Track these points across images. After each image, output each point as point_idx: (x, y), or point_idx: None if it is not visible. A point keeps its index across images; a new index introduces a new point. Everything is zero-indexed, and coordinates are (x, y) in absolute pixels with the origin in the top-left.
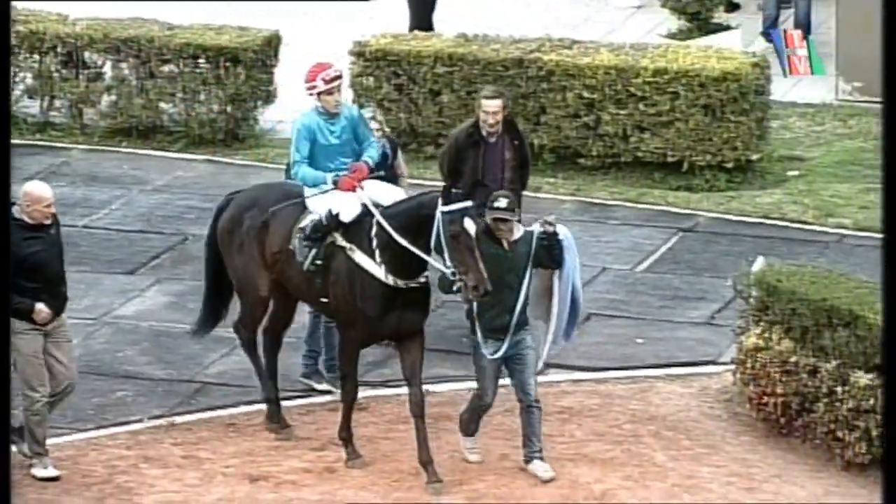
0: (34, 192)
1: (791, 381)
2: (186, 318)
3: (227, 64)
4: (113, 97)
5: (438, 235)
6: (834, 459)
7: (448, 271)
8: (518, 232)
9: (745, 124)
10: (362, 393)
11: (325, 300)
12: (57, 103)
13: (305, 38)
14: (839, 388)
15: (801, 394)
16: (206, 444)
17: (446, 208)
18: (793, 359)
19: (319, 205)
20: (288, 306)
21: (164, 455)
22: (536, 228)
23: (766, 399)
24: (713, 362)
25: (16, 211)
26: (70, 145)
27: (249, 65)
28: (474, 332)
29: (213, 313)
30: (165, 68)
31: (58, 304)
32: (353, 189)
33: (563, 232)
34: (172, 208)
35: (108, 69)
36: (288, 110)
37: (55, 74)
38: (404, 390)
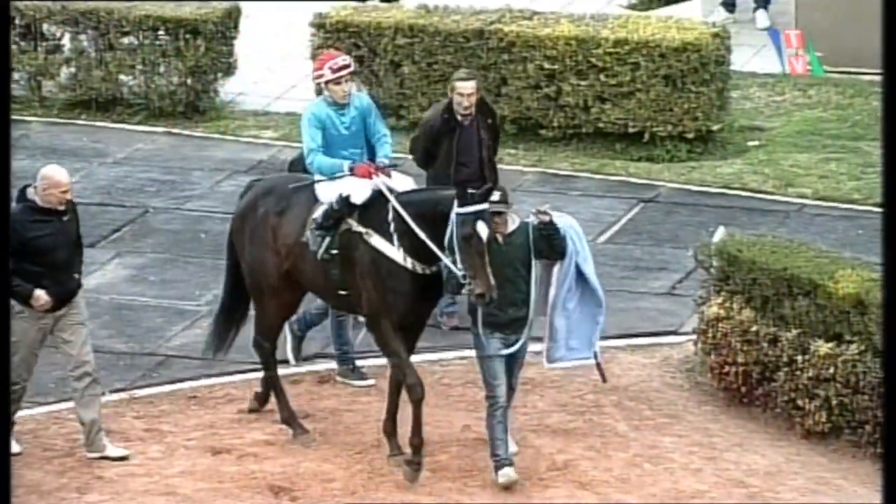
0: (53, 177)
1: (752, 351)
2: (147, 290)
3: (187, 36)
4: (72, 69)
5: (452, 236)
6: (794, 428)
7: (459, 273)
8: (513, 224)
9: (706, 95)
10: (324, 365)
11: (343, 292)
12: (16, 76)
13: (265, 11)
14: (799, 357)
15: (762, 363)
16: (168, 417)
17: (461, 210)
18: (753, 328)
19: (329, 191)
20: (293, 301)
21: (125, 428)
22: (532, 219)
23: (727, 368)
24: (675, 332)
25: (30, 192)
26: (29, 118)
27: (209, 37)
28: (475, 327)
29: (226, 326)
30: (125, 40)
31: (64, 291)
32: (370, 175)
33: (566, 222)
34: (133, 181)
35: (66, 41)
36: (248, 82)
37: (14, 47)
38: (367, 361)
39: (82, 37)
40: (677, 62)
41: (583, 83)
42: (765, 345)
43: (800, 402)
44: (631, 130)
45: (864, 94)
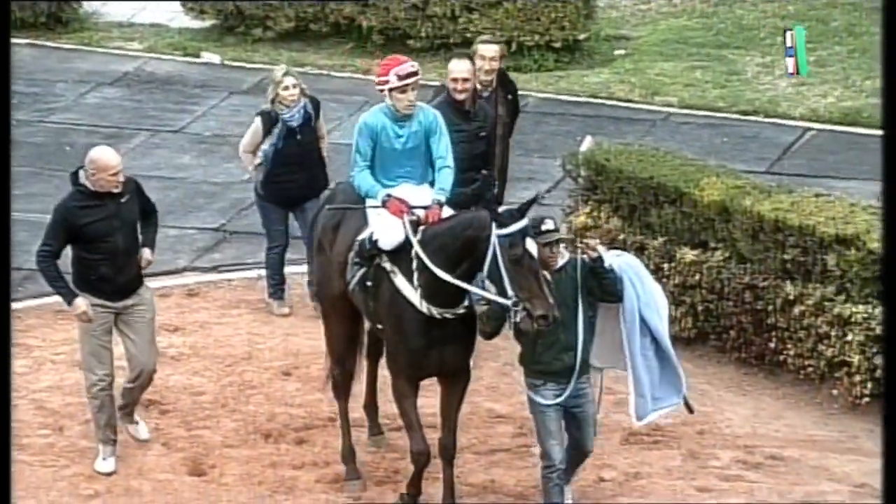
0: (99, 159)
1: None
2: (12, 204)
3: None
4: None
5: (495, 262)
6: None
7: (506, 301)
8: (562, 259)
9: (572, 3)
10: (194, 278)
11: (379, 326)
12: None
13: None
14: (666, 265)
15: None
16: (34, 332)
17: (503, 231)
18: (621, 236)
19: (377, 217)
20: (356, 323)
21: None
22: (581, 256)
23: None
24: None
25: (81, 176)
26: None
27: None
28: (532, 378)
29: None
30: None
31: (124, 280)
32: (401, 214)
33: (626, 262)
34: None
35: None
36: None
37: None
38: (236, 274)
39: None
40: None
41: None
42: (632, 253)
43: None
44: (499, 40)
45: (727, 2)
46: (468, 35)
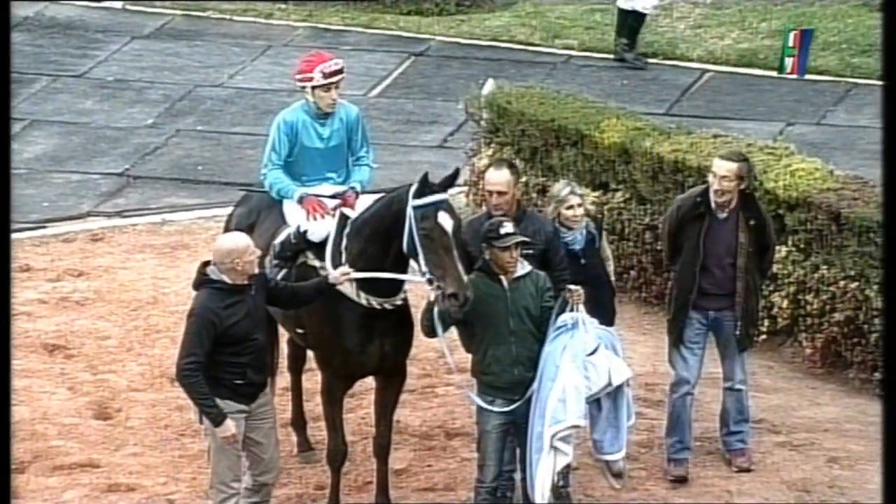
0: (235, 247)
1: (522, 200)
2: None
3: None
4: None
5: (411, 234)
6: None
7: (422, 279)
8: (522, 268)
9: None
10: (98, 223)
11: (300, 330)
12: None
13: None
14: None
15: None
16: None
17: (418, 202)
18: (523, 178)
19: (295, 213)
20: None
21: None
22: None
23: None
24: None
25: (212, 272)
26: None
27: None
28: (482, 392)
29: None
30: None
31: (262, 379)
32: (319, 212)
33: (599, 334)
34: None
35: None
36: None
37: None
38: (141, 219)
39: None
40: None
41: None
42: (534, 195)
43: None
44: None
45: None
46: None
